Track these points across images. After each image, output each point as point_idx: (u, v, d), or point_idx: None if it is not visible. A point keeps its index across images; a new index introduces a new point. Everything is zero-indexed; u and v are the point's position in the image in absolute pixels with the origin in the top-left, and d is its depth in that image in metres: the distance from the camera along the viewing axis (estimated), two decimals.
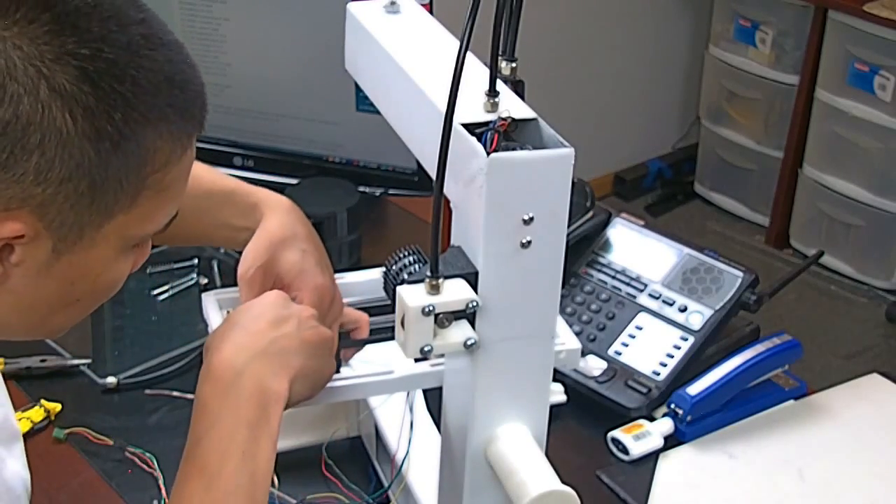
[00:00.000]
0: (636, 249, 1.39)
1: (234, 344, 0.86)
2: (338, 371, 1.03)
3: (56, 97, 0.68)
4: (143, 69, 0.72)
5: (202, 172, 1.03)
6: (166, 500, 1.13)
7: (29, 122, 0.68)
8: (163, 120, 0.74)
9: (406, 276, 0.81)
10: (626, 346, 1.31)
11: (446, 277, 0.77)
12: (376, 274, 1.03)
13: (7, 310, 0.76)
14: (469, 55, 0.73)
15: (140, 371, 1.30)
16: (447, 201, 0.79)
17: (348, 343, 1.06)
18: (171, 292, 1.43)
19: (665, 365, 1.29)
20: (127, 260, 0.79)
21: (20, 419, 1.22)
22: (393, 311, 0.79)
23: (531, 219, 0.75)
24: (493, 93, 0.77)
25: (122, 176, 0.73)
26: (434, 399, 0.96)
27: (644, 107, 3.52)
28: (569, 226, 0.79)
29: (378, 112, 0.96)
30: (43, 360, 1.29)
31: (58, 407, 1.24)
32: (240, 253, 1.04)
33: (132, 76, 0.71)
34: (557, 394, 1.25)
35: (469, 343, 0.78)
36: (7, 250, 0.72)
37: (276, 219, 1.02)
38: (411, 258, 0.84)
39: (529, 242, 0.76)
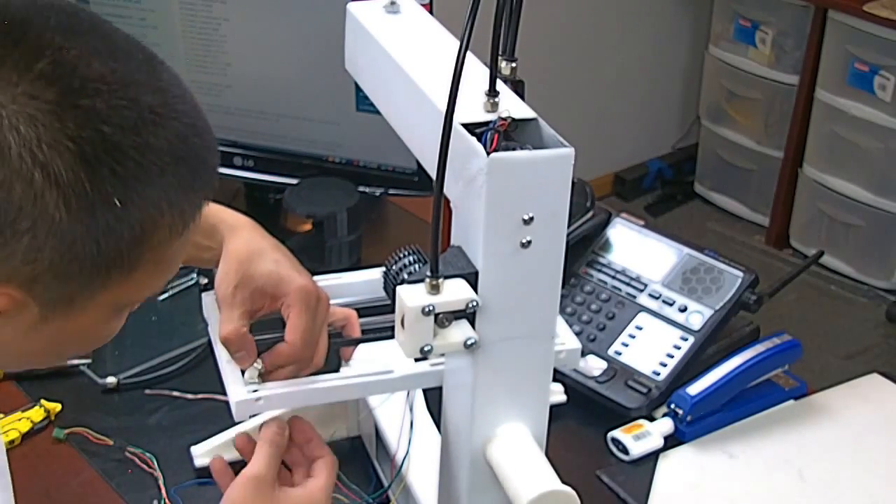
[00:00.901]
0: (636, 249, 1.39)
1: None
2: (337, 370, 1.03)
3: (51, 185, 0.65)
4: (149, 149, 0.68)
5: None
6: (166, 501, 1.13)
7: (20, 207, 0.65)
8: (166, 199, 0.70)
9: (406, 276, 0.81)
10: (626, 346, 1.31)
11: (446, 277, 0.77)
12: (376, 274, 1.03)
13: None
14: (469, 55, 0.73)
15: (140, 371, 1.30)
16: (447, 201, 0.79)
17: (343, 342, 1.06)
18: (171, 292, 1.43)
19: (665, 365, 1.29)
20: (120, 319, 0.78)
21: (20, 419, 1.22)
22: (393, 311, 0.79)
23: (531, 219, 0.75)
24: (493, 93, 0.77)
25: (118, 254, 0.70)
26: (434, 399, 0.96)
27: (644, 107, 3.52)
28: (569, 226, 0.79)
29: (378, 112, 0.96)
30: None
31: (58, 407, 1.24)
32: None
33: (135, 159, 0.68)
34: (557, 394, 1.25)
35: (469, 343, 0.78)
36: None
37: (239, 237, 1.00)
38: (411, 258, 0.84)
39: (529, 242, 0.76)
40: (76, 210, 0.66)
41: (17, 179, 0.65)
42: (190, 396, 1.27)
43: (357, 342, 1.08)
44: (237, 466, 0.93)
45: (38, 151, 0.64)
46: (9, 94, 0.65)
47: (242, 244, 0.99)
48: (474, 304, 0.77)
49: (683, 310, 1.32)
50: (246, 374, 0.94)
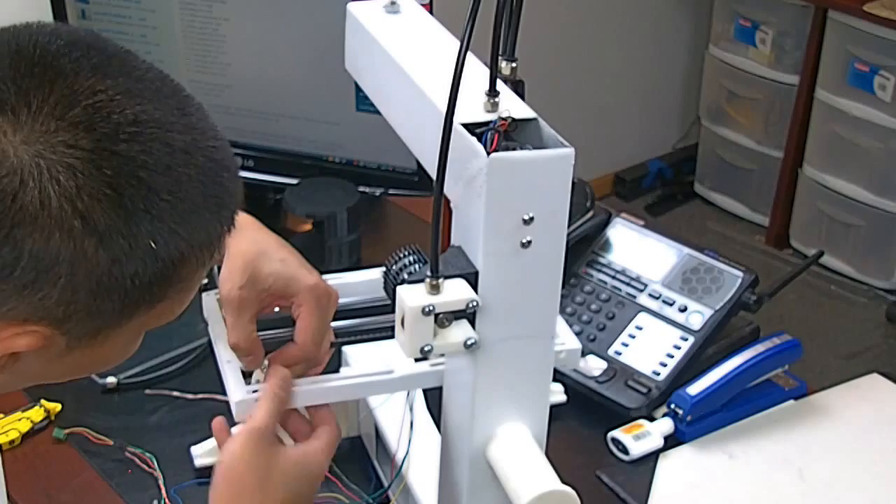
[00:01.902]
0: (636, 249, 1.39)
1: None
2: (337, 370, 1.03)
3: (89, 233, 0.66)
4: (181, 189, 0.70)
5: None
6: (166, 501, 1.13)
7: (58, 254, 0.66)
8: (196, 234, 0.72)
9: (406, 276, 0.81)
10: (626, 346, 1.31)
11: (446, 277, 0.77)
12: (376, 274, 1.03)
13: (18, 381, 0.77)
14: (469, 55, 0.73)
15: (140, 371, 1.30)
16: (447, 201, 0.79)
17: (343, 342, 1.06)
18: None
19: (665, 365, 1.29)
20: (139, 340, 0.79)
21: (20, 419, 1.22)
22: (393, 311, 0.79)
23: (531, 219, 0.75)
24: (493, 93, 0.77)
25: (149, 290, 0.71)
26: (434, 399, 0.96)
27: (644, 107, 3.52)
28: (569, 226, 0.79)
29: (378, 112, 0.96)
30: None
31: (58, 407, 1.24)
32: None
33: (168, 200, 0.69)
34: (557, 394, 1.25)
35: (469, 343, 0.78)
36: (16, 356, 0.72)
37: (244, 237, 0.98)
38: (411, 258, 0.84)
39: (529, 242, 0.76)
40: (112, 253, 0.67)
41: (57, 229, 0.65)
42: (190, 396, 1.27)
43: (358, 342, 1.08)
44: None
45: (77, 201, 0.65)
46: (48, 144, 0.65)
47: (247, 243, 0.98)
48: (474, 304, 0.77)
49: (683, 310, 1.32)
50: (253, 375, 0.94)
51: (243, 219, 1.02)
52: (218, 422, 0.96)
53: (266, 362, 0.94)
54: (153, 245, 0.69)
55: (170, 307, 0.76)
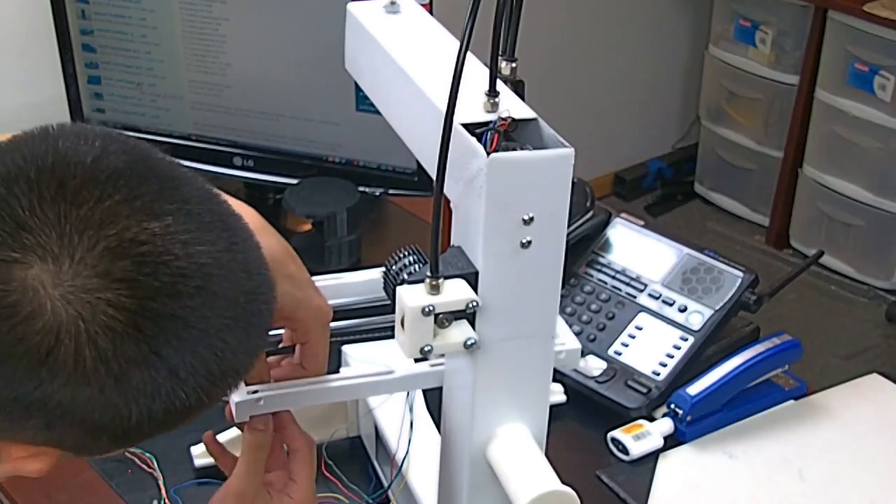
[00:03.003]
0: (636, 249, 1.39)
1: None
2: (337, 371, 1.03)
3: (122, 390, 0.64)
4: (221, 335, 0.67)
5: None
6: (166, 501, 1.13)
7: (87, 405, 0.64)
8: (228, 373, 0.70)
9: (406, 276, 0.81)
10: (626, 346, 1.31)
11: (446, 277, 0.77)
12: (376, 274, 1.03)
13: None
14: (469, 55, 0.73)
15: None
16: (447, 201, 0.79)
17: (343, 341, 1.06)
18: None
19: (665, 365, 1.29)
20: None
21: None
22: (393, 311, 0.79)
23: (531, 219, 0.75)
24: (493, 93, 0.77)
25: (171, 427, 0.72)
26: (434, 399, 0.96)
27: (644, 107, 3.52)
28: (569, 226, 0.79)
29: (378, 112, 0.96)
30: None
31: None
32: None
33: (205, 351, 0.66)
34: (557, 394, 1.25)
35: (469, 343, 0.78)
36: None
37: None
38: (411, 258, 0.84)
39: (529, 242, 0.76)
40: (142, 406, 0.66)
41: (87, 385, 0.63)
42: None
43: (357, 341, 1.08)
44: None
45: (113, 363, 0.63)
46: (89, 305, 0.62)
47: None
48: (474, 304, 0.77)
49: (683, 310, 1.32)
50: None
51: (249, 217, 1.00)
52: (208, 436, 0.96)
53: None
54: (185, 396, 0.67)
55: None
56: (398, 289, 0.77)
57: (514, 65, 0.83)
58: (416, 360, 0.86)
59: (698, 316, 1.31)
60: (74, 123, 0.70)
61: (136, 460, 1.18)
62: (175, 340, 0.65)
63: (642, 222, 1.42)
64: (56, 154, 0.65)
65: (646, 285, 1.35)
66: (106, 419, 0.65)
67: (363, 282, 1.08)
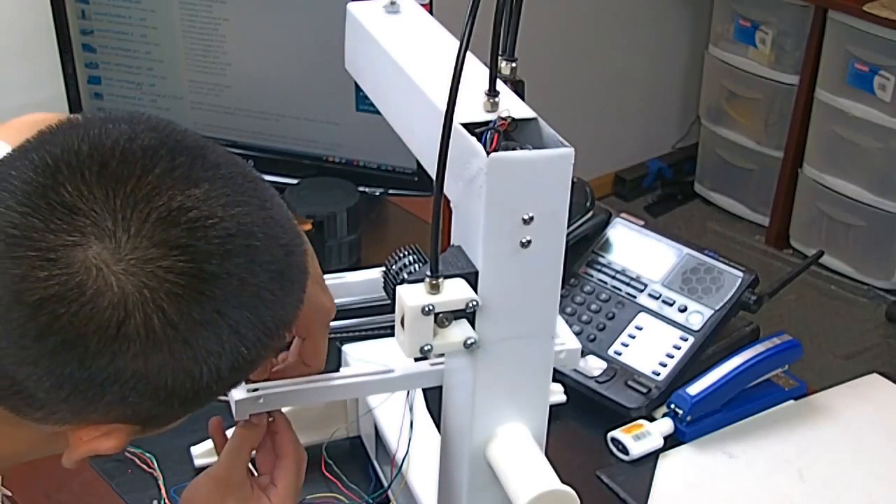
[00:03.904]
0: (636, 249, 1.39)
1: None
2: (338, 371, 1.03)
3: (190, 352, 0.67)
4: (268, 287, 0.70)
5: None
6: (166, 501, 1.13)
7: (159, 371, 0.67)
8: (278, 325, 0.73)
9: (406, 276, 0.81)
10: (626, 346, 1.31)
11: (446, 277, 0.77)
12: (376, 274, 1.03)
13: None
14: (469, 55, 0.73)
15: None
16: (447, 201, 0.79)
17: (349, 339, 1.06)
18: None
19: (665, 365, 1.29)
20: None
21: None
22: (393, 311, 0.79)
23: (531, 219, 0.75)
24: (493, 93, 0.77)
25: (231, 385, 0.77)
26: (434, 399, 0.96)
27: (644, 107, 3.52)
28: (569, 226, 0.79)
29: (378, 112, 0.96)
30: None
31: None
32: None
33: (257, 303, 0.70)
34: (557, 394, 1.25)
35: (469, 343, 0.78)
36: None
37: None
38: (411, 258, 0.84)
39: (529, 242, 0.76)
40: (210, 365, 0.68)
41: (159, 351, 0.66)
42: None
43: (357, 339, 1.08)
44: None
45: (181, 325, 0.66)
46: (151, 274, 0.65)
47: None
48: (474, 303, 0.77)
49: (683, 310, 1.32)
50: None
51: None
52: (214, 422, 0.96)
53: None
54: (246, 350, 0.70)
55: None
56: (398, 288, 0.77)
57: (514, 65, 0.83)
58: (416, 360, 0.86)
59: (698, 316, 1.31)
60: (95, 113, 0.72)
61: (136, 460, 1.18)
62: (233, 298, 0.68)
63: (642, 222, 1.42)
64: (90, 140, 0.68)
65: (646, 285, 1.35)
66: (178, 383, 0.68)
67: (363, 282, 1.08)
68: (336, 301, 1.03)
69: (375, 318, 1.11)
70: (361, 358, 1.15)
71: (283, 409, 0.99)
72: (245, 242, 0.68)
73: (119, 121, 0.70)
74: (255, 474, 0.93)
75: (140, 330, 0.65)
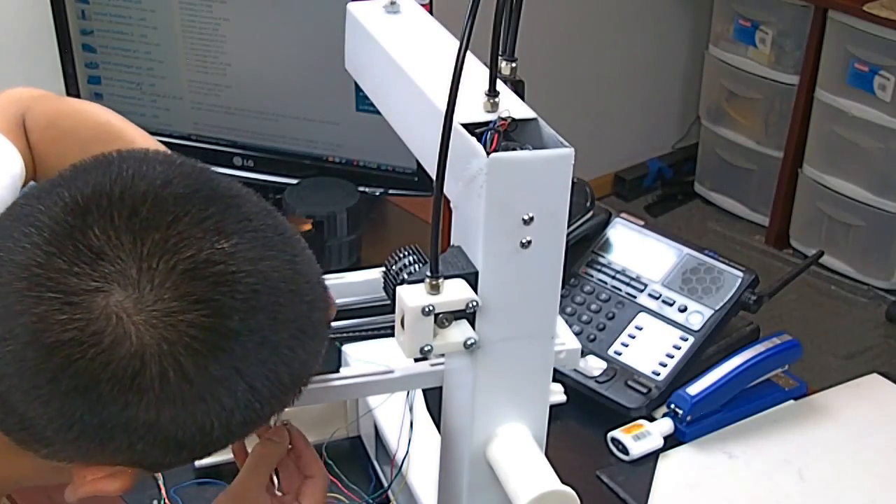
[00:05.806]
0: (636, 249, 1.39)
1: None
2: (337, 370, 1.03)
3: (203, 406, 0.66)
4: (289, 344, 0.69)
5: None
6: (166, 501, 1.13)
7: (170, 422, 0.66)
8: (294, 380, 0.72)
9: (406, 276, 0.81)
10: (626, 346, 1.31)
11: (446, 277, 0.77)
12: (376, 274, 1.03)
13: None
14: (469, 55, 0.73)
15: None
16: (447, 201, 0.79)
17: (349, 340, 1.06)
18: None
19: (665, 365, 1.29)
20: None
21: None
22: (393, 311, 0.79)
23: (531, 219, 0.75)
24: (493, 93, 0.77)
25: (241, 434, 0.74)
26: (434, 399, 0.96)
27: (644, 107, 3.52)
28: (569, 226, 0.79)
29: (378, 112, 0.96)
30: None
31: None
32: None
33: (275, 360, 0.68)
34: (557, 394, 1.25)
35: (469, 343, 0.78)
36: None
37: None
38: (411, 258, 0.84)
39: (529, 242, 0.76)
40: (223, 418, 0.67)
41: (171, 403, 0.65)
42: None
43: (357, 339, 1.08)
44: None
45: (196, 380, 0.65)
46: (172, 327, 0.64)
47: None
48: (474, 304, 0.77)
49: (683, 310, 1.32)
50: None
51: None
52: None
53: None
54: (260, 406, 0.69)
55: None
56: (398, 289, 0.77)
57: (514, 65, 0.83)
58: (416, 360, 0.86)
59: (698, 316, 1.31)
60: (131, 150, 0.71)
61: None
62: (252, 356, 0.66)
63: (642, 222, 1.42)
64: (123, 182, 0.66)
65: (646, 285, 1.35)
66: (188, 436, 0.67)
67: (363, 282, 1.08)
68: (336, 301, 1.04)
69: (375, 319, 1.11)
70: (361, 358, 1.15)
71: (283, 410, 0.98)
72: (270, 299, 0.67)
73: (155, 162, 0.69)
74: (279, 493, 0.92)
75: (155, 382, 0.64)
